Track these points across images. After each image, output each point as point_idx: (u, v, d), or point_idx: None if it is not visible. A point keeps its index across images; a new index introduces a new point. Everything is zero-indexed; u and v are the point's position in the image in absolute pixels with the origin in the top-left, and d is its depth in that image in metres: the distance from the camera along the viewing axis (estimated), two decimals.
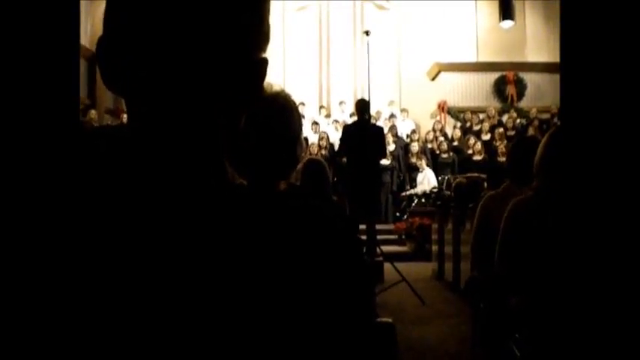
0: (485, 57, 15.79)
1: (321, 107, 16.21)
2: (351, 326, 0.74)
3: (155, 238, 0.67)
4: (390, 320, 1.88)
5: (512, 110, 15.20)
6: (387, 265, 7.84)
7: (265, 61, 0.74)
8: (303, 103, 14.56)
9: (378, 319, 1.91)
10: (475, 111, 15.32)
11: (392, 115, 15.35)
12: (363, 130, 8.30)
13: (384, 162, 12.47)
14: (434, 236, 9.61)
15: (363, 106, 8.58)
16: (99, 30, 0.69)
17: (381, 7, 16.99)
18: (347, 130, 9.30)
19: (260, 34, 0.72)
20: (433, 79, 16.25)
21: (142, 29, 0.66)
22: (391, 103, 15.95)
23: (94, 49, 0.73)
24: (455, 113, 15.61)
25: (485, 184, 9.02)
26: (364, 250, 7.27)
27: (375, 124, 9.94)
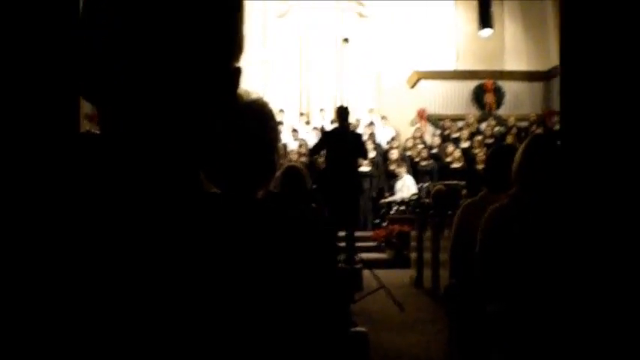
0: (465, 65, 15.90)
1: (301, 114, 16.21)
2: (324, 336, 0.74)
3: (128, 248, 0.67)
4: (363, 329, 1.88)
5: (490, 118, 15.31)
6: (366, 272, 7.85)
7: (239, 71, 0.75)
8: (282, 110, 14.56)
9: (352, 329, 1.91)
10: (454, 119, 15.42)
11: (371, 123, 15.37)
12: (342, 138, 8.32)
13: (364, 168, 12.50)
14: (413, 243, 9.65)
15: (343, 114, 8.59)
16: None
17: (361, 15, 17.05)
18: (326, 134, 9.31)
19: (234, 44, 0.72)
20: (413, 86, 16.32)
21: (116, 39, 0.66)
22: (371, 110, 15.99)
23: None
24: (434, 121, 15.69)
25: (464, 192, 9.08)
26: (341, 257, 7.27)
27: (354, 131, 9.96)
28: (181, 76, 0.66)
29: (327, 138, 9.07)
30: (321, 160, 9.45)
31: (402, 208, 12.76)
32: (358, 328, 1.90)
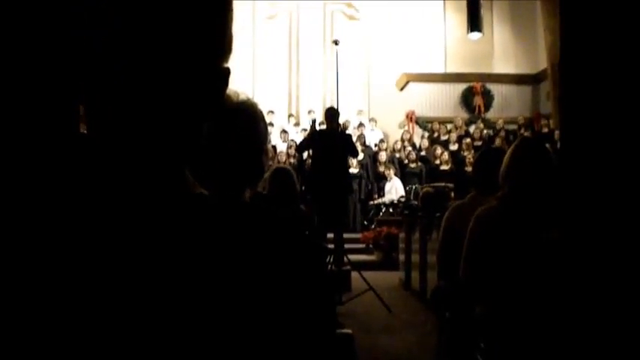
0: (454, 68, 15.95)
1: (290, 116, 16.21)
2: (309, 338, 0.74)
3: (113, 250, 0.66)
4: (349, 331, 1.88)
5: (479, 121, 15.37)
6: (354, 274, 7.84)
7: (228, 71, 0.74)
8: (272, 112, 14.56)
9: (338, 331, 1.91)
10: (443, 121, 15.47)
11: (360, 125, 15.41)
12: (331, 139, 8.31)
13: (353, 170, 12.51)
14: (401, 245, 9.65)
15: (332, 115, 8.59)
16: None
17: (351, 17, 17.08)
18: (315, 135, 9.30)
19: (222, 45, 0.72)
20: (402, 89, 16.36)
21: (103, 38, 0.65)
22: (360, 112, 16.02)
23: None
24: (423, 123, 15.73)
25: (452, 194, 9.10)
26: (330, 259, 7.27)
27: (343, 132, 9.95)
28: (170, 76, 0.66)
29: (315, 138, 9.05)
30: (309, 161, 9.44)
31: (391, 210, 12.77)
32: (345, 330, 1.90)
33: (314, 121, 10.33)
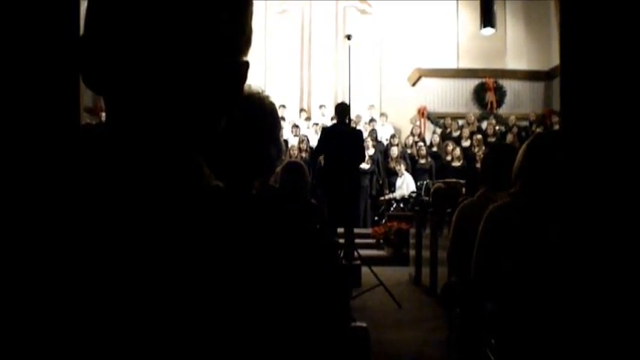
0: (466, 64, 15.88)
1: (301, 110, 16.20)
2: (324, 331, 0.74)
3: (127, 240, 0.67)
4: (364, 325, 1.88)
5: (491, 117, 15.29)
6: (364, 269, 7.84)
7: (246, 64, 0.74)
8: (283, 106, 14.55)
9: (353, 324, 1.91)
10: (455, 117, 15.40)
11: (372, 120, 15.37)
12: (342, 134, 8.30)
13: (364, 166, 12.49)
14: (412, 241, 9.64)
15: (343, 110, 8.58)
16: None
17: (363, 12, 17.04)
18: (326, 131, 9.29)
19: (242, 38, 0.72)
20: (414, 84, 16.31)
21: (124, 30, 0.66)
22: (371, 107, 15.98)
23: None
24: (434, 119, 15.67)
25: (464, 190, 9.07)
26: (340, 253, 7.27)
27: (354, 128, 9.93)
28: (189, 68, 0.66)
29: (326, 134, 9.05)
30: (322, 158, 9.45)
31: (402, 205, 12.75)
32: (359, 323, 1.90)
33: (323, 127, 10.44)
